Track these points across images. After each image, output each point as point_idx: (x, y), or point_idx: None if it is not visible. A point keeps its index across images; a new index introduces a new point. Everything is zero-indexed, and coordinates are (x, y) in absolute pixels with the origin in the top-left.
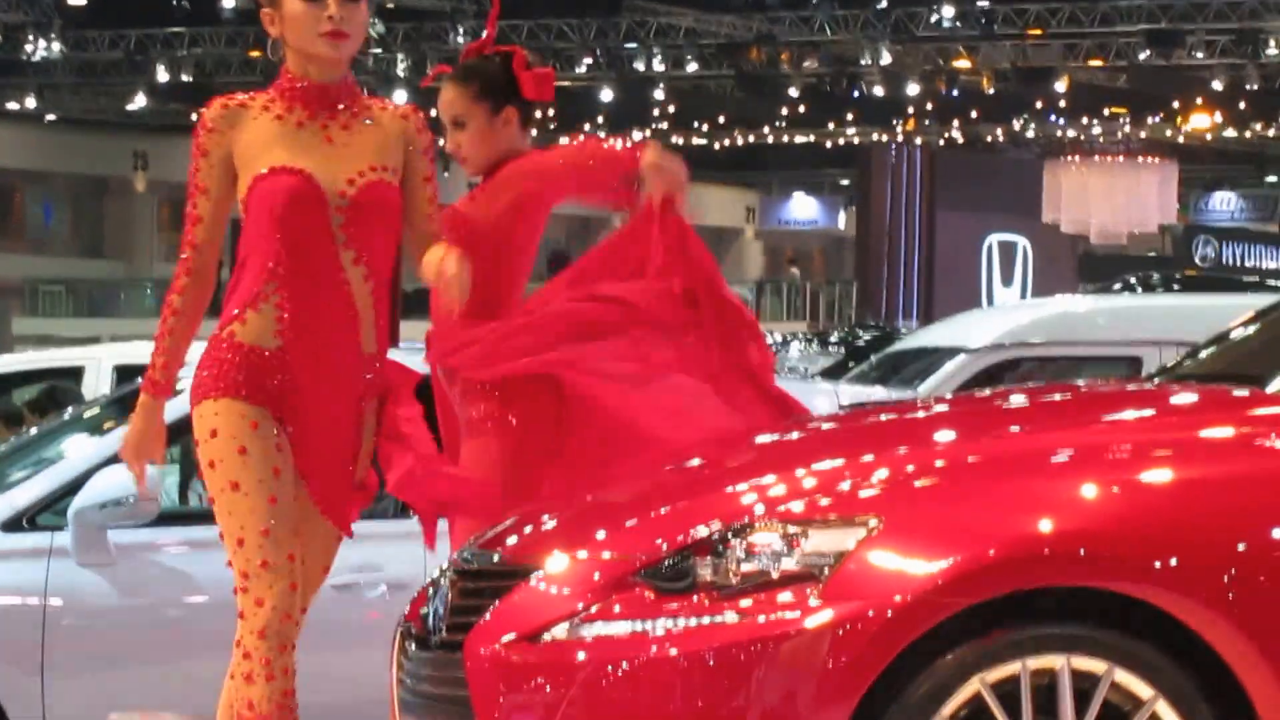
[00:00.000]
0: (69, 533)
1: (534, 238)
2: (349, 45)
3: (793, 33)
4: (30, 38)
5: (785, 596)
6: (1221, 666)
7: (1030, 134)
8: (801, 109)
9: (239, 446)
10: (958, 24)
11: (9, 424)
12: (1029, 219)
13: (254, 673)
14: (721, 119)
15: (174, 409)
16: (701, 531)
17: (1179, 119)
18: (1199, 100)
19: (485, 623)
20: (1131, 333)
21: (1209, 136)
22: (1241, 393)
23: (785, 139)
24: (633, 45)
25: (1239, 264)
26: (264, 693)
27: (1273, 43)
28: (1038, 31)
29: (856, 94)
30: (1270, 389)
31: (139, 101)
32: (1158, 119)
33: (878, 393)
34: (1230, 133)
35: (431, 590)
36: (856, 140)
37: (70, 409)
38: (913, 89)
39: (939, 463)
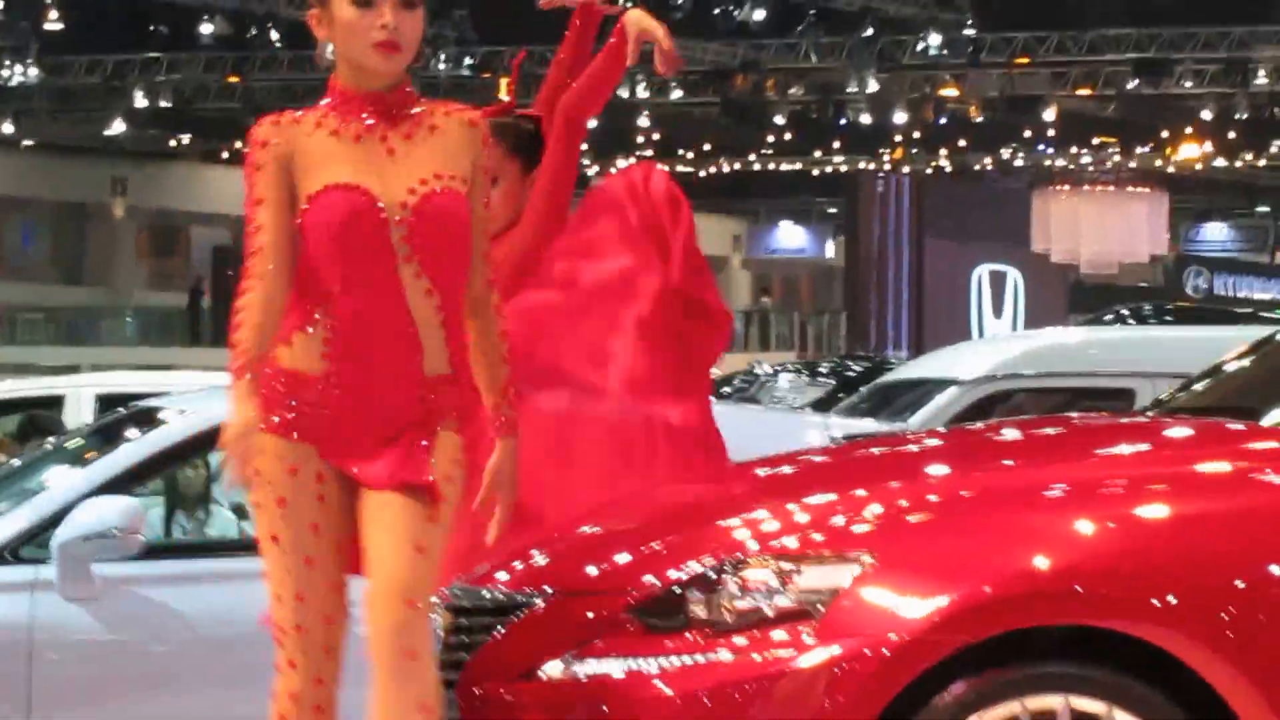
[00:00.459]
0: (53, 566)
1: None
2: (402, 57)
3: (779, 60)
4: (7, 63)
5: (780, 634)
6: (1220, 704)
7: (1019, 163)
8: (788, 137)
9: (278, 497)
10: (945, 52)
11: None
12: (1019, 249)
13: None
14: (707, 146)
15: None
16: (695, 568)
17: (1169, 148)
18: (1189, 130)
19: (477, 660)
20: (1124, 365)
21: (1199, 166)
22: (1237, 426)
23: (772, 167)
24: None
25: (1231, 294)
26: None
27: (1262, 72)
28: (1026, 60)
29: (843, 122)
30: (1266, 422)
31: (117, 127)
32: (1147, 148)
33: (869, 425)
34: (1220, 162)
35: None
36: (844, 168)
37: (51, 439)
38: (900, 117)
39: (933, 497)
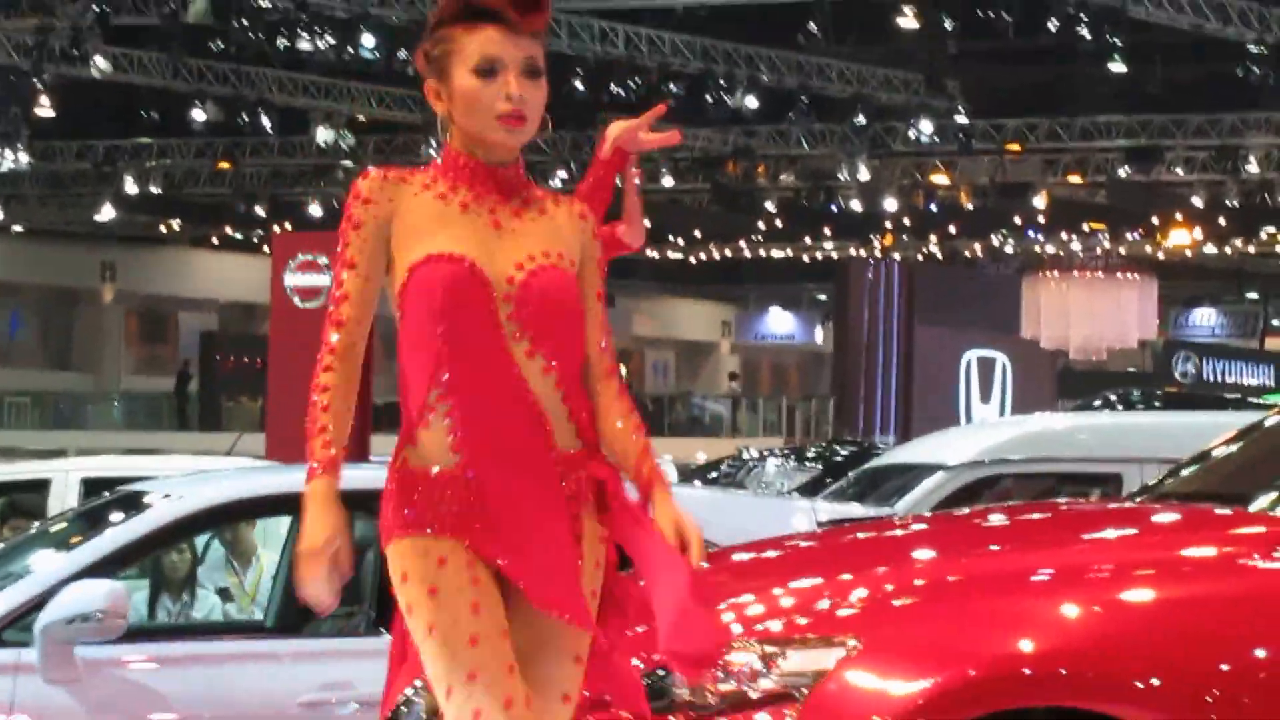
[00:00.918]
0: (35, 648)
1: None
2: (526, 130)
3: (770, 146)
4: None
5: (763, 717)
6: None
7: (1009, 249)
8: (779, 223)
9: (429, 587)
10: (936, 139)
11: None
12: (1008, 334)
13: None
14: (698, 233)
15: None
16: None
17: (1159, 235)
18: (1179, 216)
19: None
20: (1112, 450)
21: (1189, 252)
22: (1224, 512)
23: (762, 253)
24: None
25: (1220, 380)
26: None
27: (1252, 159)
28: (1016, 147)
29: (834, 208)
30: (1253, 508)
31: (107, 213)
32: (1137, 235)
33: (855, 510)
34: (1210, 249)
35: (404, 709)
36: (834, 255)
37: (36, 523)
38: (891, 204)
39: (918, 582)
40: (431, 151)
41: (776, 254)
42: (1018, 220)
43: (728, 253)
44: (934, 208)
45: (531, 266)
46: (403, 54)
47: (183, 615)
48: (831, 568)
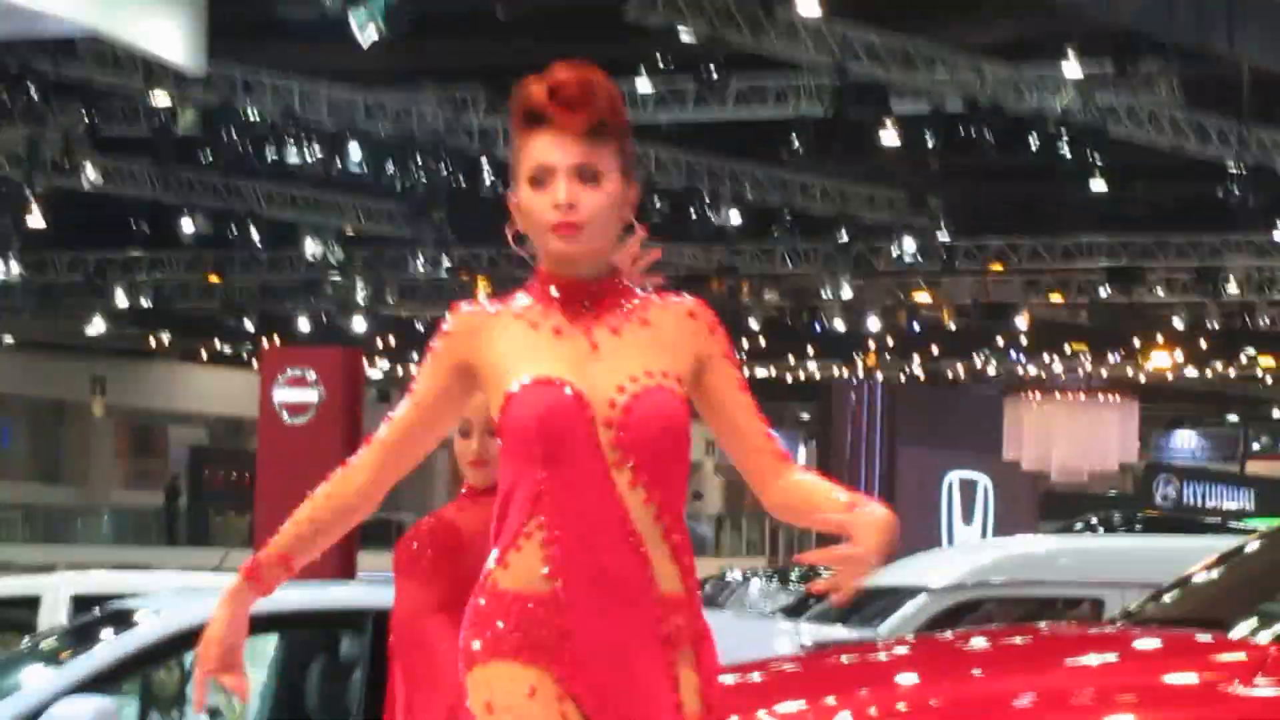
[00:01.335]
0: None
1: None
2: (584, 238)
3: (754, 265)
4: None
5: None
6: None
7: (991, 370)
8: (762, 341)
9: (516, 718)
10: (919, 258)
11: None
12: (990, 456)
13: None
14: None
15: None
16: None
17: (1140, 357)
18: (1160, 338)
19: None
20: (1094, 574)
21: (1170, 375)
22: (1205, 638)
23: (746, 372)
24: None
25: (1200, 503)
26: None
27: (1233, 281)
28: (999, 267)
29: (817, 327)
30: (1234, 634)
31: (98, 326)
32: (1119, 357)
33: (839, 632)
34: (1191, 371)
35: None
36: (817, 374)
37: (26, 638)
38: (874, 323)
39: (901, 706)
40: (421, 267)
41: (760, 373)
42: (1000, 341)
43: None
44: (917, 327)
45: (634, 389)
46: (389, 167)
47: None
48: (815, 690)
